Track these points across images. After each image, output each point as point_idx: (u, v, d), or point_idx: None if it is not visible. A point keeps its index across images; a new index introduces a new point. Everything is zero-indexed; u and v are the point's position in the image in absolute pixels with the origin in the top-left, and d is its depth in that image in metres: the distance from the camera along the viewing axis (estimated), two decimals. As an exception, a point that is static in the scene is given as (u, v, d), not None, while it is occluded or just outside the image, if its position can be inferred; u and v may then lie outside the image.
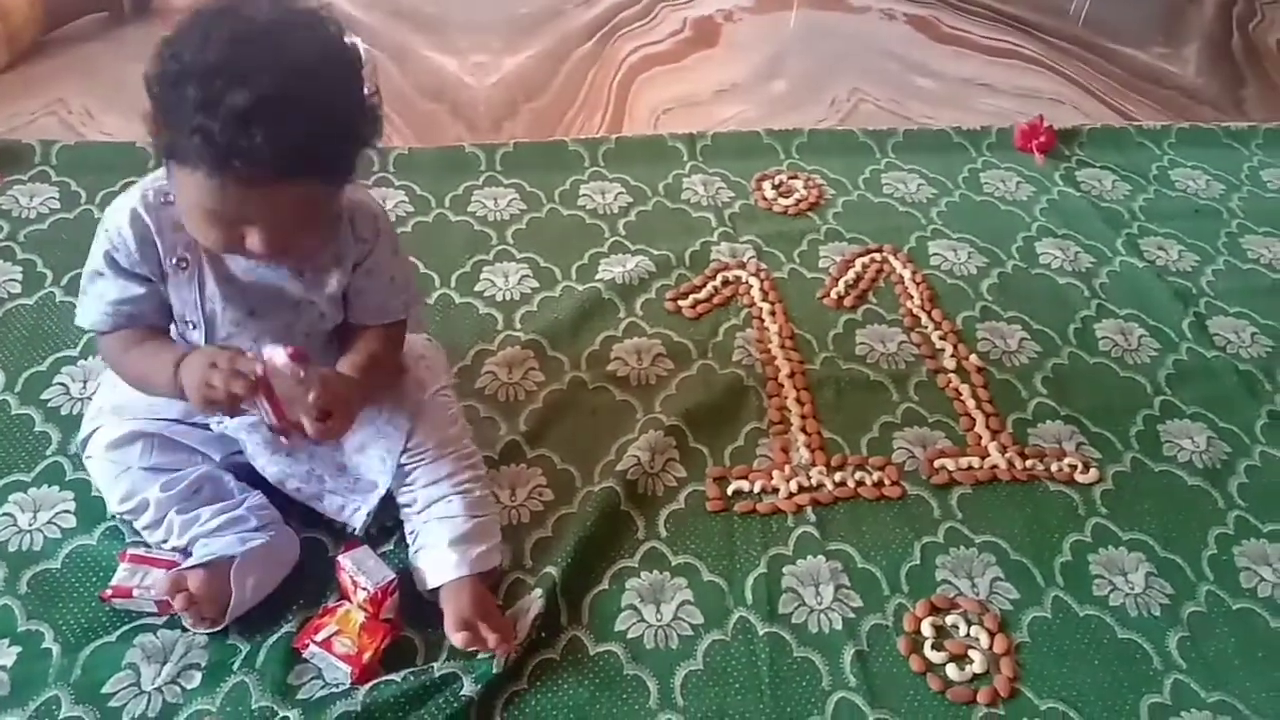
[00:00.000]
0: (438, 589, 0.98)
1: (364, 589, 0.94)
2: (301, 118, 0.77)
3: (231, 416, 0.92)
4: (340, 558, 0.97)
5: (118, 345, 0.95)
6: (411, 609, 0.98)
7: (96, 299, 0.93)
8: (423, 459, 1.01)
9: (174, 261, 0.91)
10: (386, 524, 1.04)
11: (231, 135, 0.75)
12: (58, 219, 1.42)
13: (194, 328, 0.94)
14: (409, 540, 1.01)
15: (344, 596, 0.98)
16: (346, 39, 0.85)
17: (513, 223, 1.52)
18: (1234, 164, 1.83)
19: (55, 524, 1.04)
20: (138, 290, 0.92)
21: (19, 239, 1.38)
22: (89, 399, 1.14)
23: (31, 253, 1.36)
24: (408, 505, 1.02)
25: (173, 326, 0.96)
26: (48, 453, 1.10)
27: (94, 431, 1.01)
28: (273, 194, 0.80)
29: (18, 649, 0.93)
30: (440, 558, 0.98)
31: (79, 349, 1.22)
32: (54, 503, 1.05)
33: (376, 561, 0.97)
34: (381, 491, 1.02)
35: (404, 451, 1.01)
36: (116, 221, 0.90)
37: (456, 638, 0.93)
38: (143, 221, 0.90)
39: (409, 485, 1.01)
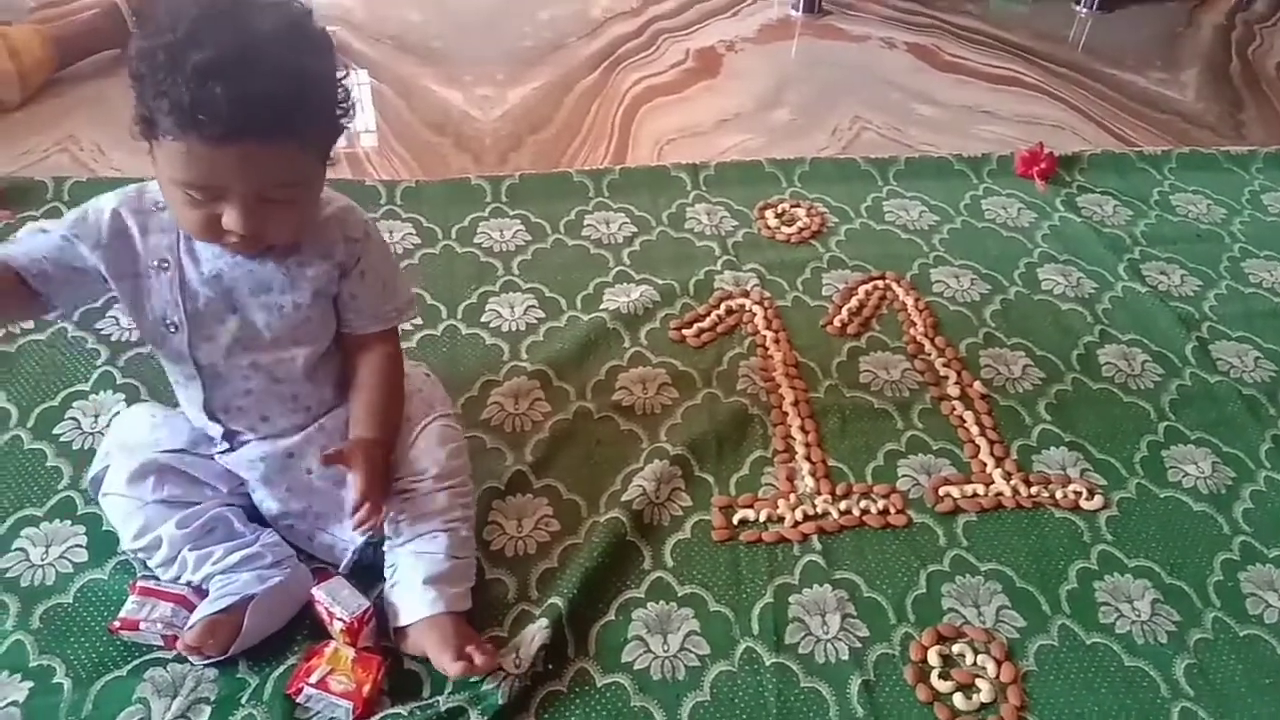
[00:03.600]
0: (406, 627, 0.97)
1: (340, 620, 0.94)
2: (260, 76, 0.80)
3: None
4: (315, 590, 0.97)
5: None
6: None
7: (27, 244, 0.91)
8: (417, 489, 1.01)
9: (155, 263, 0.93)
10: (374, 564, 1.03)
11: (193, 91, 0.79)
12: (69, 254, 1.44)
13: (175, 330, 0.95)
14: (386, 573, 1.01)
15: (321, 628, 0.98)
16: (314, 21, 0.88)
17: (518, 253, 1.53)
18: (1235, 188, 1.84)
19: (67, 558, 1.05)
20: (79, 260, 0.90)
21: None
22: (100, 433, 1.15)
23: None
24: (392, 537, 1.01)
25: (148, 330, 0.97)
26: (59, 487, 1.12)
27: (104, 470, 1.03)
28: (240, 157, 0.82)
29: (30, 684, 0.94)
30: (415, 594, 0.97)
31: (90, 384, 1.24)
32: (66, 537, 1.07)
33: (351, 591, 0.97)
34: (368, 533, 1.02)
35: (398, 478, 1.02)
36: (97, 211, 0.92)
37: (452, 667, 0.93)
38: (122, 220, 0.92)
39: (400, 515, 1.01)
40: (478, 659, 0.93)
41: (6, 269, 0.89)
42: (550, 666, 0.99)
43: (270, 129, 0.82)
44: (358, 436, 1.00)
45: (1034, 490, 1.21)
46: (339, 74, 0.90)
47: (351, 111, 0.92)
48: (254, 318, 0.96)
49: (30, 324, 1.32)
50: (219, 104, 0.79)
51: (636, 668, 1.00)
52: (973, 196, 1.75)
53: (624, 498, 1.15)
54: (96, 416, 1.20)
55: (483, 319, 1.41)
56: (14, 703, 0.92)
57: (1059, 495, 1.21)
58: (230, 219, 0.85)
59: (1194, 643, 1.07)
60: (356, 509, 0.96)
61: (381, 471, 0.99)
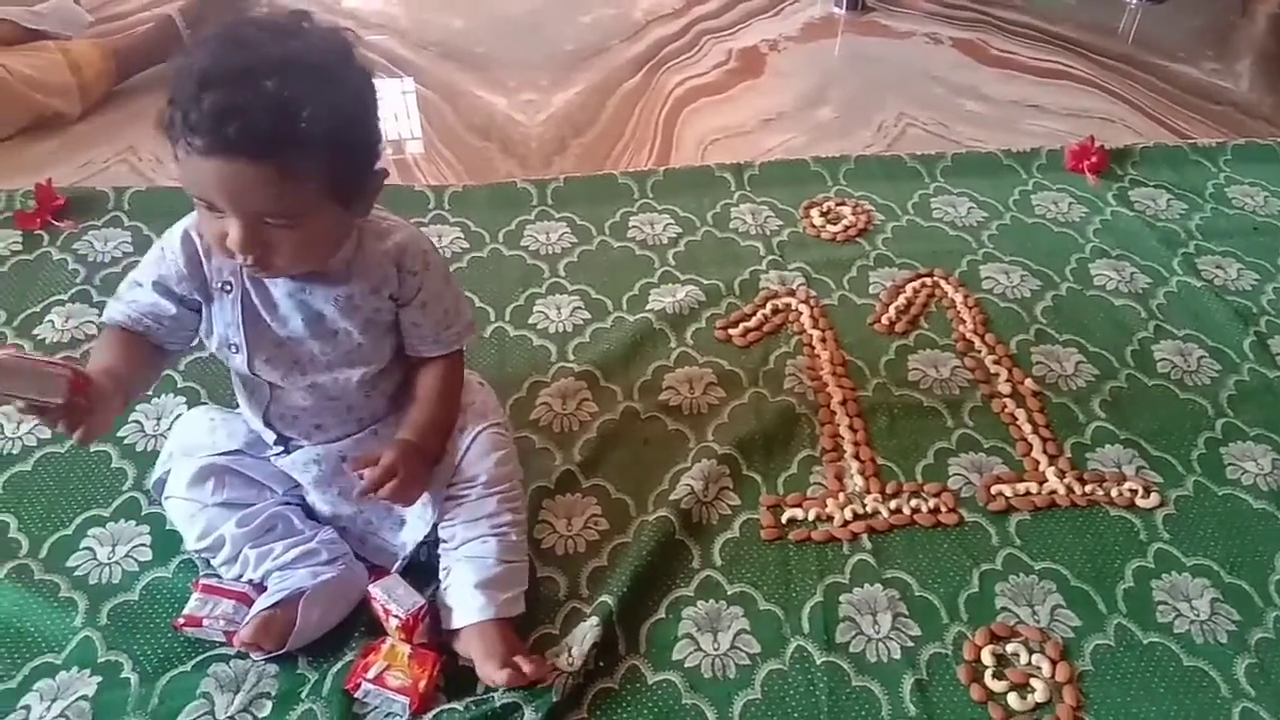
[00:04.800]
0: (457, 630, 0.98)
1: (396, 616, 0.96)
2: (254, 95, 0.80)
3: None
4: (371, 588, 0.99)
5: (101, 341, 0.98)
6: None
7: (128, 303, 0.97)
8: (468, 495, 1.03)
9: (219, 285, 0.95)
10: (429, 562, 1.05)
11: (190, 99, 0.80)
12: (130, 262, 1.48)
13: (236, 351, 0.97)
14: (440, 575, 1.02)
15: (378, 625, 1.00)
16: (356, 60, 0.88)
17: (564, 255, 1.55)
18: (1293, 179, 1.80)
19: (133, 557, 1.08)
20: (169, 309, 0.96)
21: (95, 282, 1.44)
22: (162, 436, 1.19)
23: (106, 295, 1.40)
24: (445, 541, 1.03)
25: (213, 346, 0.99)
26: (124, 488, 1.15)
27: (166, 474, 1.06)
28: (226, 174, 0.81)
29: (98, 679, 0.97)
30: (466, 598, 0.98)
31: (153, 388, 1.27)
32: (131, 536, 1.10)
33: (406, 589, 0.99)
34: (419, 536, 1.03)
35: (450, 485, 1.03)
36: (170, 240, 0.95)
37: (498, 676, 0.94)
38: (193, 242, 0.95)
39: (450, 520, 1.02)
40: (526, 667, 0.94)
41: (120, 339, 0.96)
42: (602, 664, 1.00)
43: (256, 151, 0.80)
44: (398, 438, 1.01)
45: (1088, 488, 1.20)
46: (367, 117, 0.89)
47: (376, 159, 0.91)
48: (309, 344, 0.98)
49: (94, 330, 1.36)
50: (206, 115, 0.79)
51: (687, 665, 1.01)
52: (1022, 192, 1.73)
53: (672, 497, 1.16)
54: (159, 419, 1.23)
55: (530, 321, 1.42)
56: (84, 696, 0.95)
57: (1114, 493, 1.19)
58: (230, 238, 0.85)
59: (1255, 642, 1.05)
60: (363, 492, 0.96)
61: (411, 472, 0.97)
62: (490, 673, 0.95)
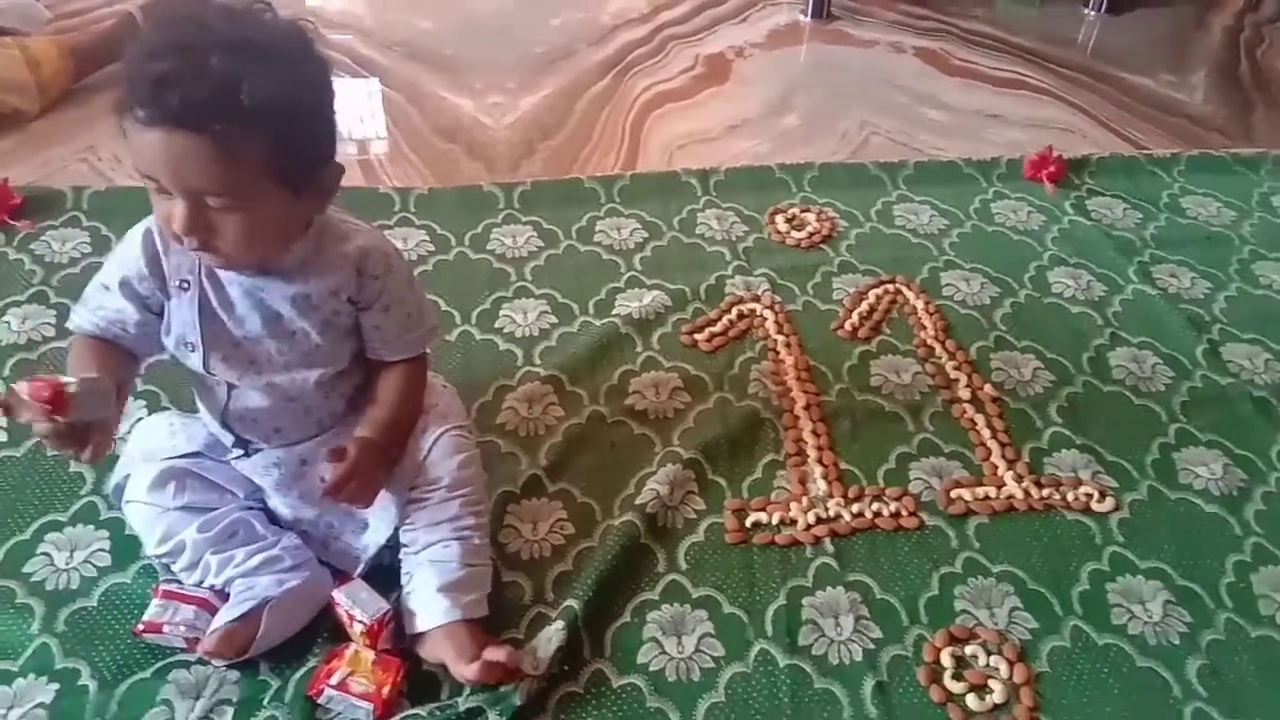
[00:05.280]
0: (423, 634, 0.98)
1: (360, 622, 0.96)
2: (198, 68, 0.80)
3: None
4: (335, 593, 0.98)
5: (75, 351, 0.98)
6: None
7: (94, 309, 0.96)
8: (430, 499, 1.02)
9: (177, 283, 0.95)
10: (392, 566, 1.04)
11: (135, 72, 0.81)
12: (89, 263, 1.46)
13: (192, 350, 0.97)
14: (402, 580, 1.02)
15: (341, 631, 0.99)
16: (312, 50, 0.88)
17: (531, 259, 1.55)
18: (1244, 190, 1.84)
19: (91, 563, 1.06)
20: (134, 315, 0.95)
21: (52, 283, 1.42)
22: (123, 439, 1.17)
23: (65, 297, 1.40)
24: (407, 545, 1.02)
25: (170, 345, 0.98)
26: (82, 493, 1.13)
27: (125, 479, 1.05)
28: (166, 146, 0.81)
29: (56, 686, 0.95)
30: (430, 602, 0.98)
31: (112, 390, 1.25)
32: (89, 541, 1.08)
33: (370, 594, 0.98)
34: (381, 540, 1.03)
35: (412, 488, 1.03)
36: (132, 238, 0.95)
37: (469, 670, 0.94)
38: (153, 240, 0.94)
39: (411, 525, 1.02)
40: (500, 655, 0.94)
41: (95, 348, 0.96)
42: (567, 668, 1.00)
43: (194, 121, 0.80)
44: (359, 435, 1.00)
45: (1045, 492, 1.22)
46: (318, 106, 0.89)
47: (328, 150, 0.91)
48: (267, 344, 0.97)
49: (51, 332, 1.34)
50: (149, 84, 0.80)
51: (652, 669, 1.01)
52: (982, 200, 1.76)
53: (637, 501, 1.16)
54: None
55: (496, 325, 1.42)
56: (41, 704, 0.94)
57: (1070, 497, 1.22)
58: (177, 218, 0.85)
59: (1206, 643, 1.07)
60: (326, 492, 0.96)
61: (370, 471, 0.97)
62: (463, 670, 0.95)
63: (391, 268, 1.00)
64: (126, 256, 0.95)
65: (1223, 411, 1.36)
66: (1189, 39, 2.52)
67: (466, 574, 1.00)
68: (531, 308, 1.45)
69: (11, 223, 1.52)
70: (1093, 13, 2.59)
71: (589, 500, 1.18)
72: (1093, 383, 1.39)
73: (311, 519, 1.05)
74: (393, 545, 1.03)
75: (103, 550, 1.07)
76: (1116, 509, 1.21)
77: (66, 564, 1.06)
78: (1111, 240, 1.68)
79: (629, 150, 1.90)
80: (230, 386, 0.99)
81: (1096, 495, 1.22)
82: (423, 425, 1.07)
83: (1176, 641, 1.07)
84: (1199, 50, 2.46)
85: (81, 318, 0.97)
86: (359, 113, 2.00)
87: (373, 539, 1.04)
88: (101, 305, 0.96)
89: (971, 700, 1.00)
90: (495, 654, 0.94)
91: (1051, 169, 1.81)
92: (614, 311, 1.45)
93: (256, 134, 0.83)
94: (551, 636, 1.00)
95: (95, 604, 1.02)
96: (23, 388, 0.82)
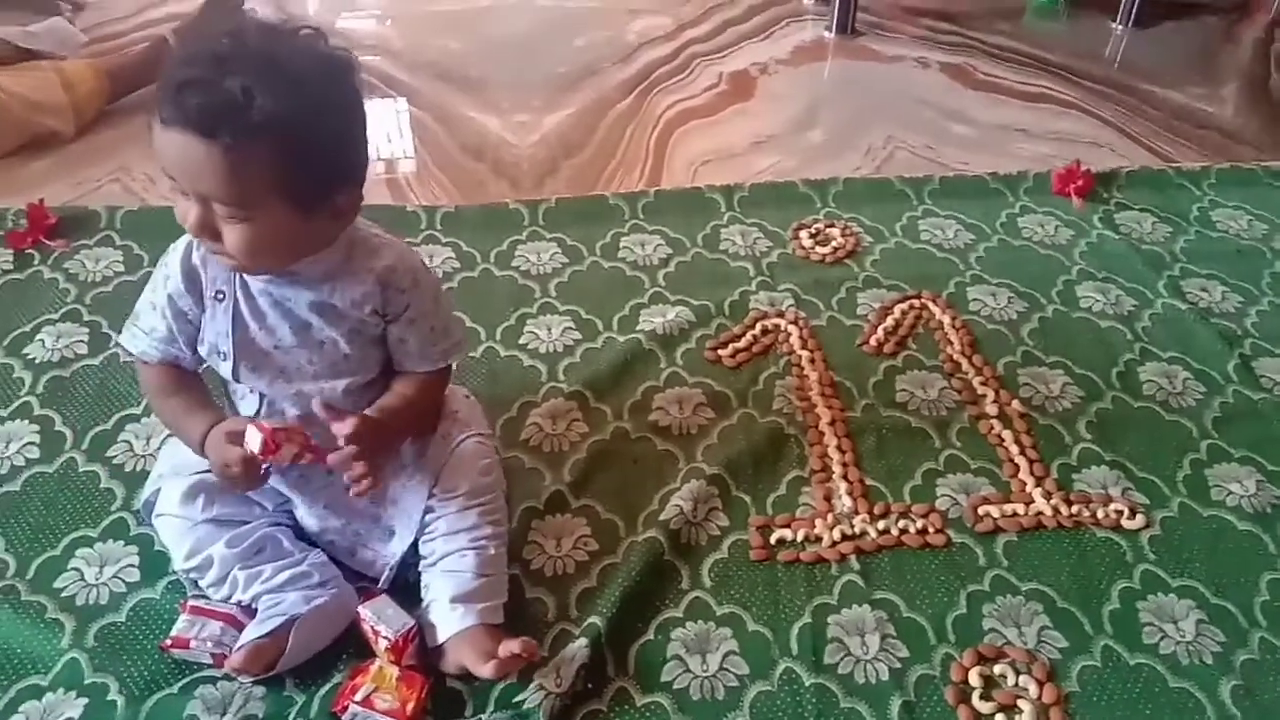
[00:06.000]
0: (442, 645, 0.99)
1: (385, 637, 0.96)
2: (219, 77, 0.82)
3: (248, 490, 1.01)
4: (360, 608, 0.98)
5: (155, 385, 1.04)
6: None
7: (146, 332, 1.01)
8: (449, 508, 1.03)
9: (213, 294, 0.97)
10: (417, 581, 1.04)
11: (166, 75, 0.85)
12: (122, 281, 1.49)
13: (224, 358, 0.99)
14: (422, 593, 1.02)
15: (366, 646, 0.99)
16: (345, 80, 0.91)
17: (555, 276, 1.56)
18: (1276, 203, 1.81)
19: (120, 578, 1.07)
20: (182, 335, 1.00)
21: (85, 301, 1.45)
22: (152, 455, 1.19)
23: (97, 314, 1.42)
24: (425, 557, 1.03)
25: (204, 353, 1.01)
26: (112, 509, 1.15)
27: (156, 494, 1.06)
28: (181, 146, 0.84)
29: (85, 700, 0.96)
30: (445, 613, 0.99)
31: (142, 408, 1.27)
32: (119, 557, 1.09)
33: (395, 610, 0.99)
34: (404, 546, 1.04)
35: (430, 497, 1.03)
36: (173, 254, 0.99)
37: (486, 668, 0.95)
38: (191, 253, 0.97)
39: (430, 535, 1.03)
40: (515, 648, 0.95)
41: (173, 377, 1.03)
42: (590, 685, 1.00)
43: (205, 127, 0.82)
44: (360, 414, 0.99)
45: (1075, 509, 1.20)
46: (338, 131, 0.90)
47: (346, 176, 0.92)
48: (297, 353, 0.99)
49: (84, 349, 1.36)
50: (172, 87, 0.83)
51: (676, 687, 1.01)
52: (1009, 215, 1.75)
53: (661, 517, 1.16)
54: (148, 439, 1.23)
55: (521, 341, 1.43)
56: (70, 719, 0.95)
57: (1100, 514, 1.20)
58: (191, 218, 0.88)
59: (1240, 664, 1.05)
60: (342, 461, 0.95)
61: (373, 439, 0.96)
62: (481, 670, 0.95)
63: (418, 282, 1.01)
64: (168, 273, 0.99)
65: (1256, 427, 1.34)
66: (1218, 51, 2.50)
67: (481, 584, 1.01)
68: (556, 324, 1.46)
69: (47, 242, 1.55)
70: (1120, 26, 2.57)
71: (612, 516, 1.18)
72: (1122, 398, 1.38)
73: (338, 527, 1.06)
74: (415, 561, 1.04)
75: (132, 566, 1.09)
76: (1147, 526, 1.19)
77: (96, 579, 1.07)
78: (1140, 254, 1.66)
79: (653, 167, 1.90)
80: (262, 396, 1.01)
81: (1127, 512, 1.20)
82: (444, 431, 1.08)
83: (1210, 661, 1.05)
84: (1228, 62, 2.44)
85: (141, 342, 1.01)
86: (387, 132, 2.03)
87: (398, 546, 1.05)
88: (154, 327, 1.00)
89: (1000, 720, 0.99)
90: (510, 646, 0.95)
91: (1079, 183, 1.80)
92: (638, 328, 1.46)
93: (264, 149, 0.84)
94: (575, 654, 1.00)
95: (124, 619, 1.04)
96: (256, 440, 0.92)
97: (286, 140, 0.85)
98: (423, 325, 1.02)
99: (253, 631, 0.97)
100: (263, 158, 0.85)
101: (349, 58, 0.91)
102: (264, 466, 0.96)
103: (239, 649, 0.96)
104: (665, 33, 2.46)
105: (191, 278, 0.98)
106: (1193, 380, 1.41)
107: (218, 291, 0.98)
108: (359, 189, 0.95)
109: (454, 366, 1.10)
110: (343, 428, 0.93)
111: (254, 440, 0.92)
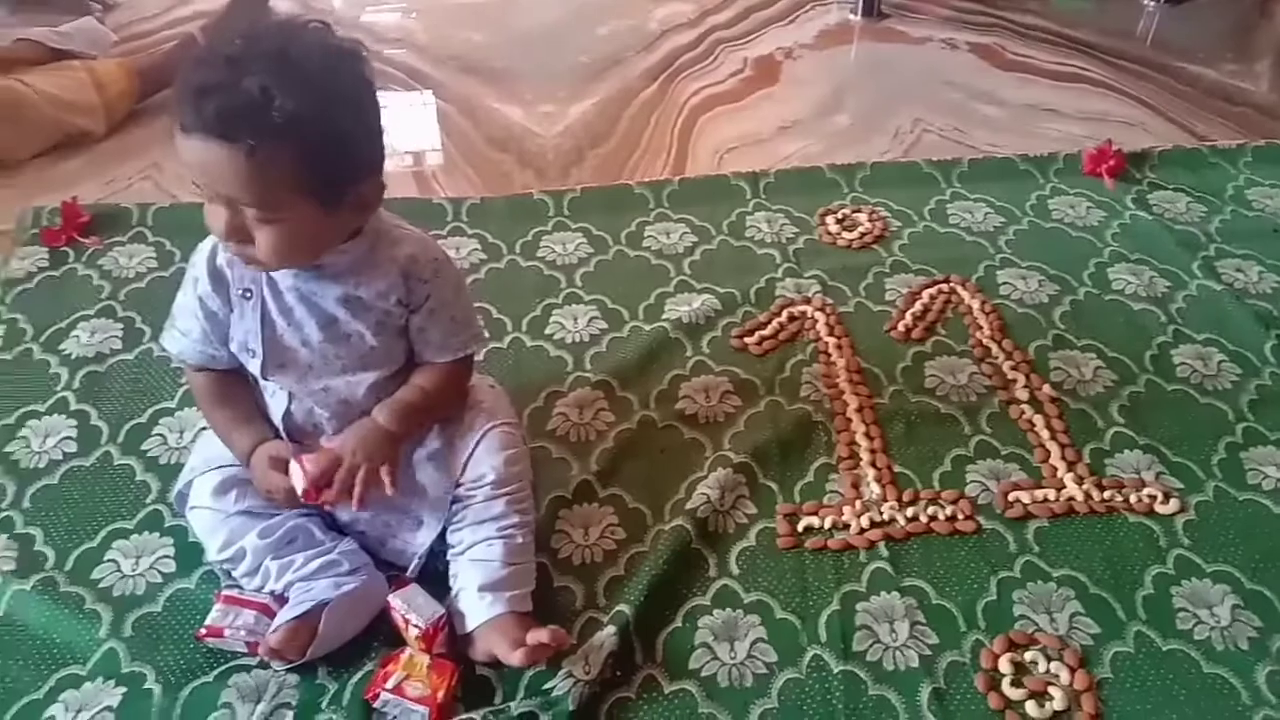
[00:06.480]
0: (471, 634, 1.00)
1: (416, 626, 0.97)
2: (234, 79, 0.83)
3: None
4: (391, 597, 1.00)
5: (203, 393, 1.07)
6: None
7: (183, 333, 1.03)
8: (476, 496, 1.04)
9: (240, 291, 0.99)
10: (447, 570, 1.05)
11: (183, 80, 0.85)
12: (154, 277, 1.51)
13: (253, 356, 1.01)
14: (450, 582, 1.03)
15: (397, 635, 1.01)
16: (358, 73, 0.91)
17: (581, 266, 1.56)
18: (1315, 181, 1.78)
19: (156, 569, 1.09)
20: (215, 336, 1.01)
21: (119, 297, 1.47)
22: (186, 448, 1.20)
23: (131, 310, 1.44)
24: (454, 546, 1.04)
25: (234, 350, 1.03)
26: (148, 501, 1.17)
27: (189, 486, 1.08)
28: (201, 152, 0.85)
29: (123, 689, 0.98)
30: (474, 601, 1.00)
31: (176, 401, 1.29)
32: (155, 548, 1.11)
33: (426, 599, 1.00)
34: (433, 535, 1.05)
35: (457, 486, 1.04)
36: (200, 255, 1.00)
37: (515, 656, 0.95)
38: (216, 254, 0.99)
39: (457, 524, 1.04)
40: (544, 637, 0.95)
41: (219, 383, 1.05)
42: (619, 673, 1.00)
43: (226, 132, 0.83)
44: (369, 416, 1.02)
45: (1107, 494, 1.19)
46: (354, 125, 0.90)
47: (365, 169, 0.93)
48: (324, 348, 1.00)
49: (119, 344, 1.38)
50: (191, 93, 0.84)
51: (704, 674, 1.01)
52: (1039, 197, 1.73)
53: (688, 506, 1.16)
54: (182, 432, 1.25)
55: (547, 331, 1.43)
56: (108, 708, 0.97)
57: (1133, 499, 1.19)
58: (216, 221, 0.89)
59: (1276, 649, 1.04)
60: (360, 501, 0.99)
61: (368, 449, 0.99)
62: (511, 658, 0.96)
63: (439, 272, 1.02)
64: (196, 275, 1.00)
65: (1293, 410, 1.32)
66: (1252, 27, 2.45)
67: (509, 572, 1.01)
68: (581, 314, 1.46)
69: (80, 239, 1.57)
70: (1151, 2, 2.52)
71: (640, 505, 1.18)
72: (1156, 381, 1.36)
73: (368, 518, 1.07)
74: (443, 550, 1.05)
75: (167, 557, 1.11)
76: (1181, 511, 1.18)
77: (133, 570, 1.09)
78: (1174, 235, 1.63)
79: (678, 155, 1.90)
80: (287, 395, 1.02)
81: (1160, 497, 1.19)
82: (469, 421, 1.08)
83: (1245, 647, 1.04)
84: (1263, 38, 2.38)
85: (179, 343, 1.04)
86: (413, 125, 2.03)
87: (426, 536, 1.05)
88: (190, 329, 1.02)
89: (1031, 707, 0.98)
90: (539, 635, 0.96)
91: (1111, 163, 1.77)
92: (664, 316, 1.45)
93: (287, 149, 0.85)
94: (603, 642, 1.00)
95: (160, 609, 1.05)
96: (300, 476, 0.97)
97: (308, 136, 0.85)
98: (443, 315, 1.03)
99: (285, 614, 0.99)
100: (286, 155, 0.85)
101: (357, 47, 0.92)
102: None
103: (273, 631, 0.98)
104: (688, 19, 2.44)
105: (218, 278, 0.99)
106: (1228, 362, 1.39)
107: (245, 290, 0.99)
108: (380, 176, 0.95)
109: (475, 357, 1.10)
110: (313, 470, 0.98)
111: (298, 480, 0.97)
